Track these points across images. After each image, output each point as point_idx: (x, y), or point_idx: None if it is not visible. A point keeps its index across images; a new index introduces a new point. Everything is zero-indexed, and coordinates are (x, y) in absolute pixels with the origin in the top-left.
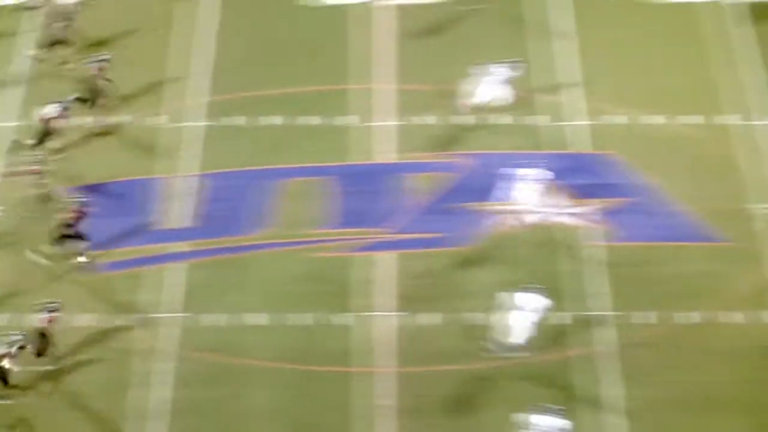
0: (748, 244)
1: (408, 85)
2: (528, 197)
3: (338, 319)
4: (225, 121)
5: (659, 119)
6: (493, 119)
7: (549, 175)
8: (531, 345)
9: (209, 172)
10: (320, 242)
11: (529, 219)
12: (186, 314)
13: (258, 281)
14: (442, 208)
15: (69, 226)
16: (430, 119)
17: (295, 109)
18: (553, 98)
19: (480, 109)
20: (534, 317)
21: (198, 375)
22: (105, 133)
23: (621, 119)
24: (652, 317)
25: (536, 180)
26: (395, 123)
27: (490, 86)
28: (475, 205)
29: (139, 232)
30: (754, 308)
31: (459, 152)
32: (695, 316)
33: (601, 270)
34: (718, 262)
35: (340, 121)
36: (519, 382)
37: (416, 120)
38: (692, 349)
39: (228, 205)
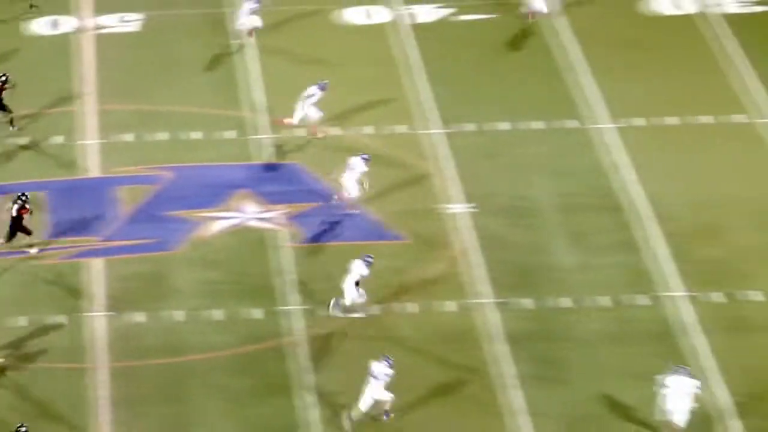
0: (425, 241)
1: (109, 106)
2: (228, 203)
3: (56, 319)
4: None
5: (337, 131)
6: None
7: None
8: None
9: None
10: (38, 251)
11: (227, 224)
12: None
13: None
14: (147, 217)
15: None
16: (130, 137)
17: (7, 131)
18: (237, 114)
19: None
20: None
21: None
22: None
23: (300, 131)
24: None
25: (236, 187)
26: (99, 141)
27: (304, 106)
28: (178, 213)
29: None
30: (429, 298)
31: (161, 165)
32: (376, 309)
33: (290, 269)
34: (398, 259)
35: (51, 140)
36: (218, 373)
37: (120, 137)
38: (374, 338)
39: None
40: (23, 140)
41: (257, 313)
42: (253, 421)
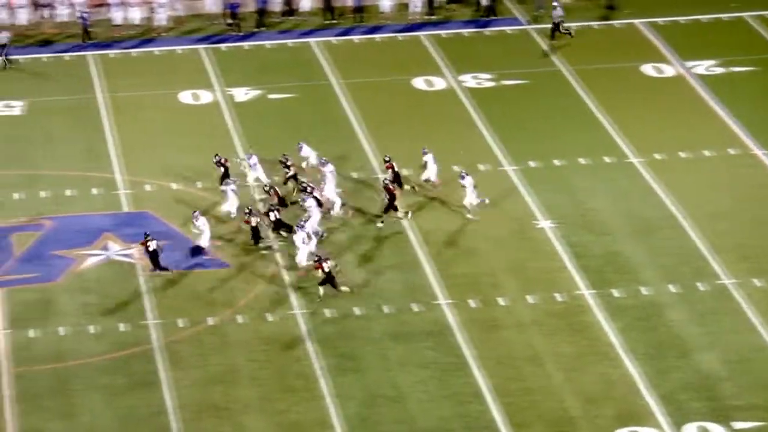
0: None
1: (2, 172)
2: (97, 243)
3: None
4: None
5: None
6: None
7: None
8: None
9: None
10: None
11: (97, 259)
12: None
13: None
14: (35, 256)
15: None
16: (19, 194)
17: None
18: (103, 175)
19: None
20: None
21: None
22: None
23: (150, 187)
24: (184, 323)
25: (103, 231)
26: None
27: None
28: (59, 252)
29: None
30: (255, 312)
31: (45, 216)
32: (213, 320)
33: (146, 292)
34: (229, 281)
35: None
36: (96, 374)
37: (11, 195)
38: (213, 343)
39: None
40: None
41: (123, 327)
42: (125, 411)
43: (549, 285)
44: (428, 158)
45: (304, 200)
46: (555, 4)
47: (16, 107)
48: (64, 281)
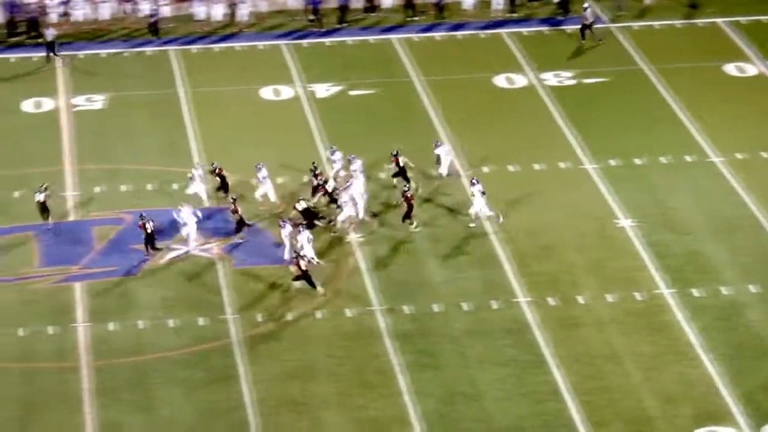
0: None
1: (84, 166)
2: (176, 239)
3: (51, 330)
4: None
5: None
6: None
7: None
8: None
9: None
10: (32, 278)
11: (176, 254)
12: None
13: None
14: (115, 250)
15: None
16: (100, 188)
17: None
18: (183, 170)
19: None
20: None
21: None
22: None
23: (230, 182)
24: (262, 317)
25: (182, 226)
26: (78, 193)
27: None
28: (139, 246)
29: None
30: (334, 308)
31: (125, 210)
32: (292, 315)
33: (225, 286)
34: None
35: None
36: (174, 367)
37: (92, 189)
38: (290, 337)
39: None
40: (16, 193)
41: (202, 321)
42: (204, 404)
43: (629, 284)
44: (440, 151)
45: (338, 195)
46: (586, 5)
47: (98, 101)
48: (143, 275)
